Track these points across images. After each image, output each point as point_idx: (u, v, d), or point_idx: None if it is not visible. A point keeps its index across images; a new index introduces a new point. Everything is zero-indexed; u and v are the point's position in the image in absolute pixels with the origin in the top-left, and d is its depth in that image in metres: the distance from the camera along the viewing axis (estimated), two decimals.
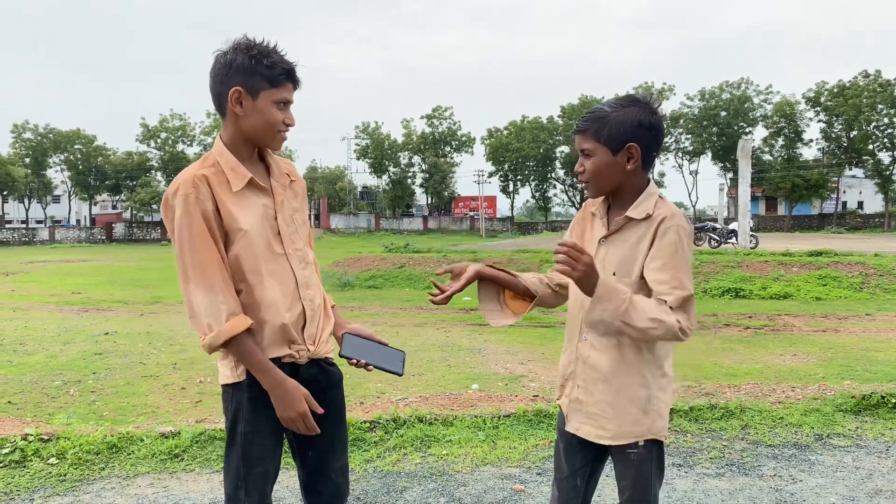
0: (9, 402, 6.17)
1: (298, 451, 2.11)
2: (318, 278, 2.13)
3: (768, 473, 3.65)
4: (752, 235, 24.86)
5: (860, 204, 68.33)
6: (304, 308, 1.99)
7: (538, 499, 3.35)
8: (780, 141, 61.16)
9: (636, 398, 1.91)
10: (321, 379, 2.06)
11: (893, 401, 4.59)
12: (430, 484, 3.52)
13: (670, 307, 1.79)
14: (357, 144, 71.21)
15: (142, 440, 4.00)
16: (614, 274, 1.90)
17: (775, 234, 48.62)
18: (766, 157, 62.15)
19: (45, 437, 4.01)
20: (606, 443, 1.95)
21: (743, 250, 21.58)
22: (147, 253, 42.46)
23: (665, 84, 65.42)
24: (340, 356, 2.07)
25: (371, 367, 2.08)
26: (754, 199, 65.29)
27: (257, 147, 2.02)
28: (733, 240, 24.81)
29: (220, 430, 4.11)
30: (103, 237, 63.41)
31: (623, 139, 1.89)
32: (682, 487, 3.47)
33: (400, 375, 2.15)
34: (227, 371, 1.98)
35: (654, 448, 1.95)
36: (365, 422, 4.23)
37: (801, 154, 60.71)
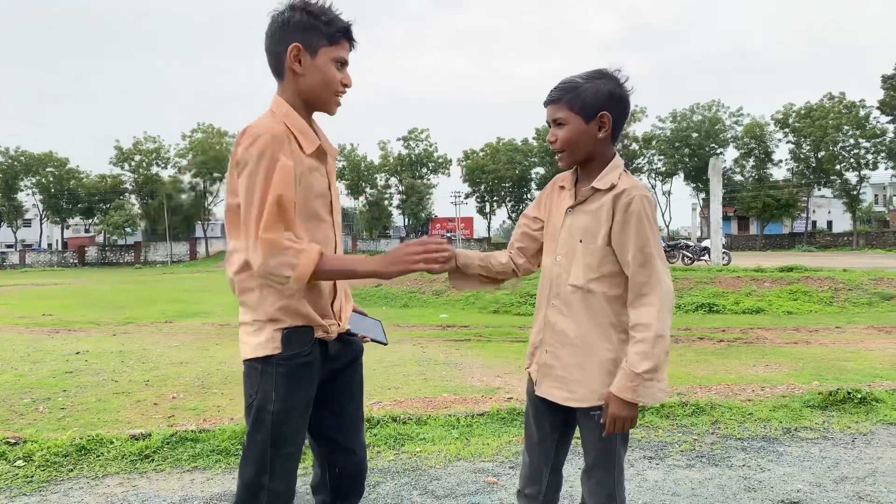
0: None
1: (318, 428, 2.03)
2: None
3: (737, 464, 3.70)
4: (724, 252, 25.18)
5: (829, 223, 69.65)
6: (336, 281, 1.97)
7: (510, 490, 3.36)
8: (751, 161, 62.29)
9: (603, 361, 1.94)
10: (347, 353, 2.03)
11: (859, 396, 4.68)
12: (403, 479, 3.52)
13: (647, 297, 1.86)
14: None
15: (111, 442, 3.95)
16: (581, 241, 1.96)
17: (748, 252, 49.32)
18: (738, 177, 63.20)
19: (12, 441, 3.94)
20: (574, 405, 1.97)
21: (716, 267, 21.86)
22: (120, 276, 41.92)
23: (637, 106, 66.28)
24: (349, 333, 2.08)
25: (367, 338, 2.11)
26: (727, 218, 66.22)
27: (311, 112, 1.96)
28: (706, 257, 25.12)
29: (192, 431, 4.07)
30: (76, 261, 62.56)
31: (595, 108, 1.96)
32: (653, 478, 3.50)
33: (385, 344, 2.19)
34: (257, 341, 1.85)
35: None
36: None
37: (771, 174, 61.88)
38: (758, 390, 5.23)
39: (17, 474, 3.59)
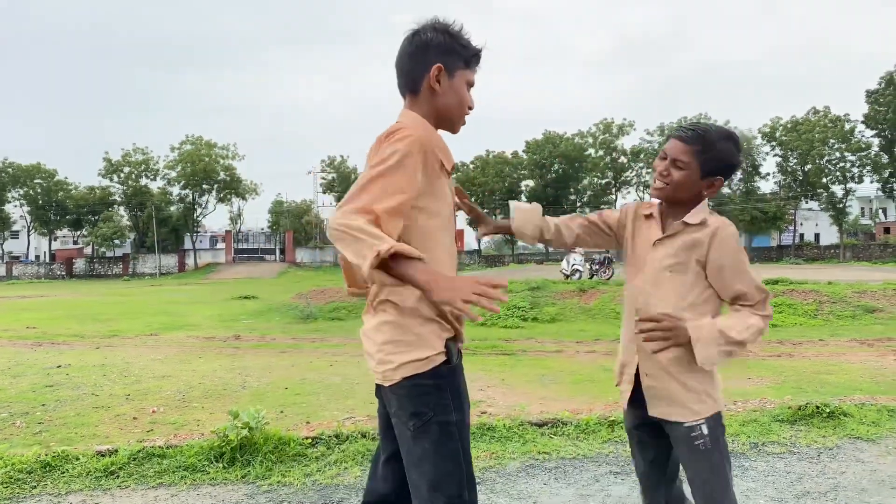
0: None
1: (393, 451, 1.98)
2: None
3: None
4: None
5: (817, 236, 70.14)
6: None
7: None
8: (739, 174, 62.71)
9: (699, 381, 2.06)
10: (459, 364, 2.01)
11: (828, 410, 4.72)
12: None
13: (752, 308, 2.03)
14: (323, 178, 71.23)
15: (77, 459, 3.93)
16: (669, 272, 2.07)
17: None
18: (726, 190, 63.61)
19: None
20: (679, 419, 2.05)
21: None
22: (108, 288, 41.66)
23: (625, 119, 66.78)
24: None
25: None
26: None
27: (437, 129, 1.98)
28: None
29: (159, 447, 4.06)
30: (63, 273, 62.15)
31: (716, 171, 2.07)
32: (618, 493, 3.52)
33: None
34: (421, 354, 1.81)
35: (716, 424, 2.08)
36: (306, 438, 4.21)
37: (758, 187, 62.30)
38: (730, 405, 5.27)
39: None
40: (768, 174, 62.15)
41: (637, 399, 2.16)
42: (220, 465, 3.85)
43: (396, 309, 1.83)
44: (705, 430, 2.04)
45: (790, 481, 3.68)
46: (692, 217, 2.08)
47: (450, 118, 1.97)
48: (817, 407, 4.73)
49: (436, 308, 1.80)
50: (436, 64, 1.90)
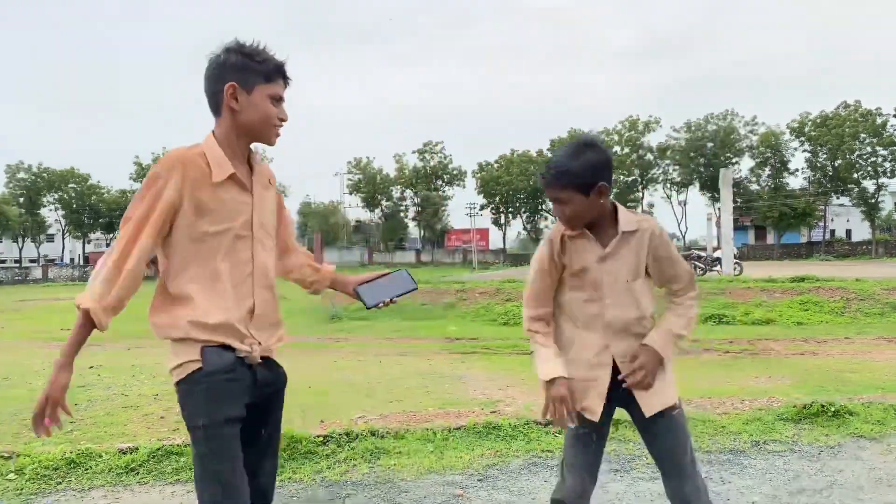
0: None
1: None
2: (308, 277, 2.40)
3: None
4: (736, 263, 25.08)
5: (848, 232, 68.87)
6: (255, 305, 2.04)
7: (476, 502, 3.50)
8: (767, 171, 61.91)
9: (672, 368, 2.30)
10: (273, 382, 2.13)
11: (833, 409, 4.74)
12: (374, 491, 3.66)
13: (691, 295, 2.29)
14: (350, 179, 71.80)
15: (100, 456, 4.13)
16: (628, 281, 2.23)
17: (764, 262, 48.93)
18: (754, 186, 62.81)
19: (6, 455, 4.14)
20: (661, 407, 2.24)
21: (727, 277, 21.78)
22: (140, 289, 42.28)
23: (651, 116, 66.18)
24: (368, 308, 2.26)
25: (395, 300, 2.28)
26: (743, 228, 65.77)
27: (249, 144, 2.08)
28: (718, 267, 25.01)
29: (177, 445, 4.24)
30: None
31: (590, 182, 2.16)
32: (615, 490, 3.62)
33: (416, 288, 2.32)
34: (181, 359, 1.97)
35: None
36: (318, 436, 4.36)
37: (787, 183, 61.43)
38: (737, 403, 5.31)
39: (7, 487, 3.78)
40: (797, 170, 61.30)
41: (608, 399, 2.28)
42: None
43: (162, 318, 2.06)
44: (678, 404, 2.30)
45: (787, 479, 3.74)
46: (626, 224, 2.24)
47: (256, 132, 2.05)
48: (822, 406, 4.76)
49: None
50: (229, 84, 1.99)
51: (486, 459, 4.10)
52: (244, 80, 1.99)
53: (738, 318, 15.91)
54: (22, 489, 3.75)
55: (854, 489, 3.58)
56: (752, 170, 62.90)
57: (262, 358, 2.06)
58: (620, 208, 2.27)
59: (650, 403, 2.24)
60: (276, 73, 2.04)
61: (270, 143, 2.10)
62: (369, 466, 4.03)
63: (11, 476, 3.90)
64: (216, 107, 2.04)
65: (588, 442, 2.33)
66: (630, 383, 2.20)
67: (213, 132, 2.05)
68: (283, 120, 2.07)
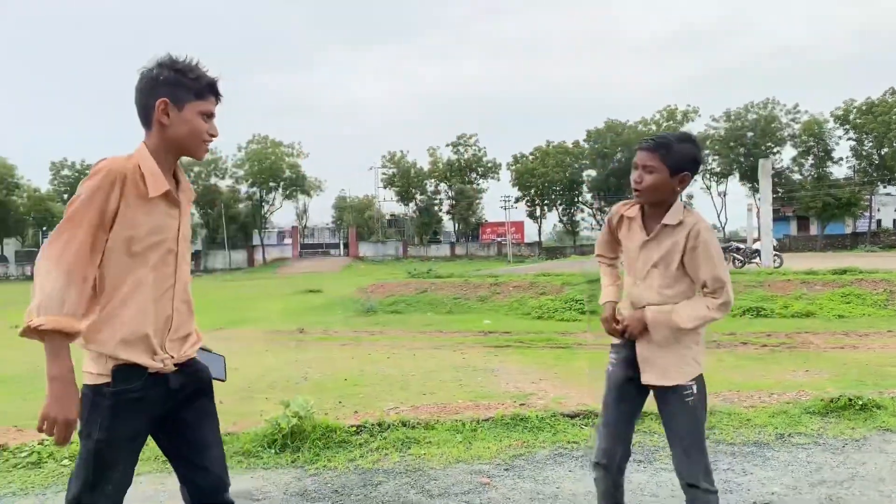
0: (21, 430, 6.57)
1: (177, 454, 2.21)
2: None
3: (723, 468, 3.87)
4: (775, 255, 24.68)
5: (895, 222, 67.06)
6: (172, 320, 2.08)
7: (502, 490, 3.64)
8: (810, 160, 60.62)
9: (685, 353, 2.48)
10: (190, 383, 2.14)
11: (860, 403, 4.76)
12: (404, 479, 3.82)
13: (712, 296, 2.41)
14: (384, 174, 72.13)
15: (148, 444, 4.34)
16: (656, 268, 2.46)
17: (807, 253, 47.94)
18: (796, 176, 61.55)
19: None
20: (670, 383, 2.46)
21: (766, 269, 21.47)
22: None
23: (689, 106, 65.33)
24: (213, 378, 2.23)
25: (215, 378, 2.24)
26: (785, 219, 64.46)
27: (178, 158, 2.12)
28: (757, 259, 24.64)
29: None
30: None
31: (681, 167, 2.42)
32: (638, 480, 3.72)
33: (223, 381, 2.28)
34: (93, 370, 1.97)
35: (701, 385, 2.51)
36: (351, 426, 4.55)
37: (831, 173, 60.07)
38: (765, 397, 5.35)
39: (62, 472, 4.04)
40: (841, 159, 59.87)
41: (627, 362, 2.56)
42: (273, 451, 4.22)
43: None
44: (695, 390, 2.46)
45: (809, 471, 3.80)
46: (670, 218, 2.44)
47: (185, 147, 2.08)
48: (850, 399, 4.78)
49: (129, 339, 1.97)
50: (160, 99, 2.02)
51: (514, 450, 4.24)
52: (175, 96, 2.02)
53: (776, 311, 15.71)
54: None
55: (875, 481, 3.63)
56: (794, 159, 61.66)
57: (176, 365, 2.09)
58: (678, 203, 2.47)
59: (648, 375, 2.48)
60: (207, 90, 2.08)
61: (199, 158, 2.15)
62: (400, 455, 4.19)
63: (66, 462, 4.15)
64: (146, 120, 2.07)
65: (611, 395, 2.61)
66: (608, 330, 2.58)
67: (144, 143, 2.07)
68: (212, 136, 2.11)
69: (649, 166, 2.42)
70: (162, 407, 2.08)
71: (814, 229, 63.23)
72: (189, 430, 2.17)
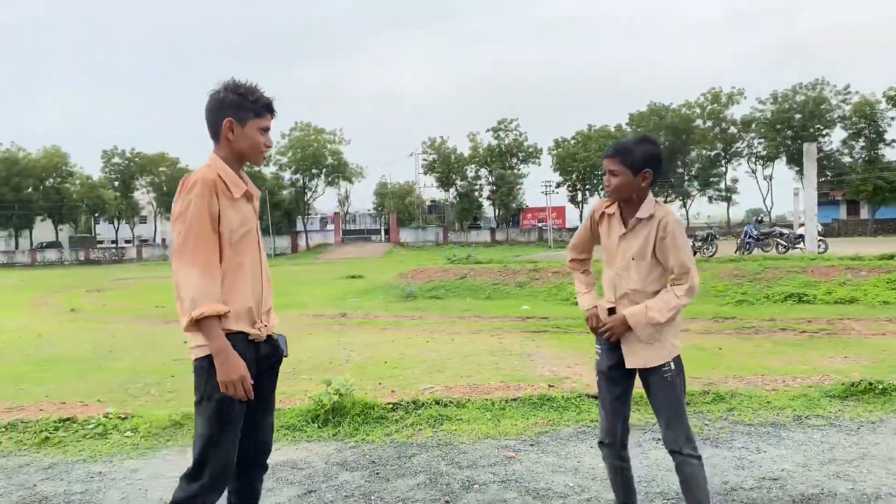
0: (98, 400, 7.04)
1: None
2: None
3: (738, 446, 4.07)
4: (820, 240, 24.27)
5: None
6: (263, 294, 2.51)
7: (525, 463, 3.90)
8: (861, 142, 58.96)
9: (664, 337, 2.74)
10: (273, 354, 2.56)
11: (881, 387, 4.88)
12: (436, 452, 4.12)
13: (678, 284, 2.68)
14: (424, 160, 72.36)
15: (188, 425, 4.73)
16: (633, 259, 2.75)
17: (856, 238, 46.82)
18: (846, 159, 59.97)
19: (123, 416, 4.82)
20: (651, 365, 2.75)
21: (809, 255, 21.17)
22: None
23: (734, 88, 63.93)
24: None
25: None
26: (835, 202, 62.91)
27: (242, 164, 2.54)
28: (801, 245, 24.25)
29: None
30: None
31: (642, 166, 2.72)
32: (654, 456, 3.94)
33: (285, 357, 2.64)
34: (201, 344, 2.36)
35: (679, 364, 2.78)
36: (388, 403, 4.86)
37: (883, 155, 58.29)
38: (788, 381, 5.49)
39: (126, 442, 4.44)
40: (894, 141, 58.05)
41: (612, 350, 2.84)
42: (316, 426, 4.56)
43: None
44: (672, 367, 2.75)
45: (821, 450, 3.97)
46: (642, 212, 2.75)
47: (247, 156, 2.51)
48: (870, 383, 4.91)
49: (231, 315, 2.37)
50: (227, 118, 2.43)
51: (539, 427, 4.50)
52: (238, 116, 2.44)
53: (819, 298, 15.52)
54: (138, 444, 4.40)
55: (884, 461, 3.78)
56: (844, 141, 60.05)
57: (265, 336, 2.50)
58: (649, 198, 2.76)
59: (632, 360, 2.79)
60: (264, 109, 2.48)
61: (258, 165, 2.63)
62: (433, 430, 4.49)
63: (129, 433, 4.55)
64: (216, 135, 2.48)
65: (602, 383, 2.90)
66: (597, 331, 2.85)
67: (215, 154, 2.49)
68: (268, 146, 2.54)
69: (613, 170, 2.75)
70: (254, 370, 2.44)
71: (864, 213, 61.57)
72: (259, 396, 2.50)
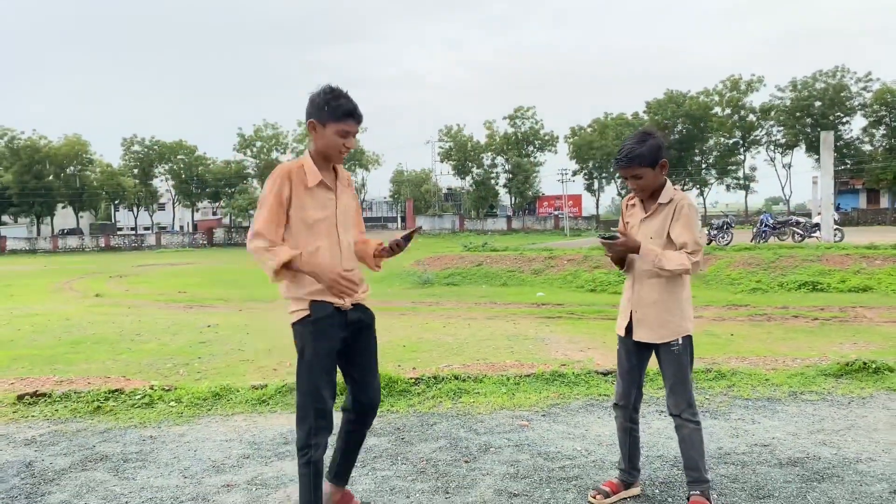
0: (129, 380, 7.48)
1: (347, 372, 2.99)
2: (359, 249, 3.06)
3: (735, 418, 4.40)
4: (836, 229, 24.28)
5: None
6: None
7: (538, 431, 4.25)
8: (882, 130, 58.47)
9: (675, 315, 3.07)
10: (363, 319, 2.94)
11: (874, 366, 5.18)
12: (455, 421, 4.48)
13: (689, 254, 2.94)
14: (441, 147, 72.60)
15: (237, 391, 5.14)
16: (652, 238, 3.06)
17: (875, 227, 46.54)
18: (866, 147, 59.50)
19: (167, 388, 5.22)
20: (660, 341, 3.08)
21: (825, 244, 21.25)
22: (246, 256, 44.73)
23: (753, 75, 63.55)
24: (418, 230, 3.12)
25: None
26: (854, 191, 62.50)
27: (327, 160, 2.86)
28: (817, 233, 24.29)
29: None
30: (205, 242, 67.22)
31: (657, 159, 3.04)
32: (657, 426, 4.28)
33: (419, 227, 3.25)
34: (296, 307, 2.80)
35: (687, 341, 3.09)
36: (411, 378, 5.24)
37: None
38: (788, 361, 5.79)
39: (171, 411, 4.84)
40: None
41: (629, 331, 3.20)
42: (342, 398, 4.91)
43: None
44: (680, 342, 3.07)
45: (812, 421, 4.29)
46: (663, 198, 3.09)
47: (326, 154, 2.84)
48: (864, 363, 5.20)
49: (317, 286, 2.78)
50: (310, 119, 2.79)
51: (551, 400, 4.85)
52: (321, 117, 2.77)
53: (833, 286, 15.67)
54: (182, 413, 4.80)
55: (869, 431, 4.10)
56: (864, 129, 59.59)
57: (352, 304, 2.87)
58: (668, 185, 3.09)
59: (640, 335, 3.14)
60: (345, 114, 2.77)
61: (337, 163, 2.91)
62: (452, 402, 4.85)
63: (173, 403, 4.96)
64: (309, 131, 2.86)
65: (622, 353, 3.26)
66: (606, 243, 3.08)
67: (308, 149, 2.90)
68: (348, 148, 2.83)
69: (635, 174, 3.06)
70: (342, 333, 2.85)
71: (884, 202, 61.13)
72: (358, 355, 2.97)
